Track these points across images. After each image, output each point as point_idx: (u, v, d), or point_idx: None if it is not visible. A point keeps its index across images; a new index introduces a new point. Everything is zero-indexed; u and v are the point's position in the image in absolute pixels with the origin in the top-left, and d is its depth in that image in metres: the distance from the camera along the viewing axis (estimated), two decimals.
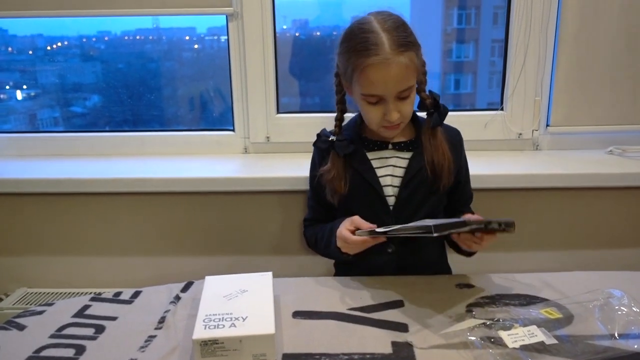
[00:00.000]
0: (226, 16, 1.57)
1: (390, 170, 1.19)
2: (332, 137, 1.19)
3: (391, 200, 1.17)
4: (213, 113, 1.79)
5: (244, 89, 1.62)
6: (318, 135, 1.24)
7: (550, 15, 1.53)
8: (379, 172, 1.18)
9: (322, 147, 1.21)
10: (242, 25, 1.56)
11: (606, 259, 1.55)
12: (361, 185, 1.18)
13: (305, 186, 1.42)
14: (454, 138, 1.22)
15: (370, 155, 1.19)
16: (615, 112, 1.59)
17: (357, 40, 1.07)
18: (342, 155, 1.18)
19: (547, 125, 1.62)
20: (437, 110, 1.16)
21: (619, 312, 0.94)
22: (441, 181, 1.16)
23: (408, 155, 1.19)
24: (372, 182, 1.17)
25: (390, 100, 1.08)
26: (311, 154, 1.30)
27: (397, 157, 1.19)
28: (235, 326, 0.87)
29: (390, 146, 1.20)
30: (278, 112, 1.64)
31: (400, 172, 1.18)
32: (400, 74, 1.06)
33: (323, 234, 1.21)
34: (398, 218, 1.13)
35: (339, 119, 1.21)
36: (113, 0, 1.54)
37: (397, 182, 1.17)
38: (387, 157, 1.19)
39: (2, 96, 1.83)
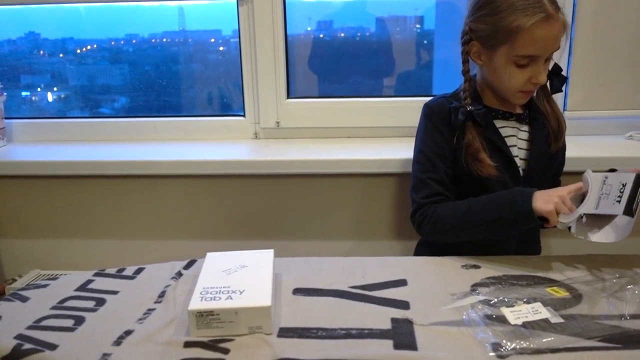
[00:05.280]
0: (237, 1, 1.57)
1: (514, 140, 1.18)
2: (469, 107, 1.14)
3: (521, 172, 1.17)
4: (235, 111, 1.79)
5: (254, 74, 1.61)
6: (442, 106, 1.17)
7: None
8: (507, 142, 1.18)
9: (461, 119, 1.14)
10: (253, 9, 1.56)
11: (626, 243, 1.50)
12: (493, 156, 1.14)
13: (317, 169, 1.41)
14: None
15: (497, 124, 1.18)
16: (635, 96, 1.53)
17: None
18: (481, 126, 1.15)
19: (564, 110, 1.57)
20: (557, 75, 1.16)
21: (630, 292, 0.91)
22: (558, 144, 1.19)
23: (526, 127, 1.19)
24: (506, 152, 1.16)
25: (541, 62, 1.08)
26: (320, 139, 1.26)
27: (517, 128, 1.19)
28: (231, 298, 0.86)
29: (514, 117, 1.19)
30: (288, 97, 1.64)
31: (523, 144, 1.18)
32: (559, 32, 1.06)
33: (493, 201, 1.08)
34: None
35: (468, 89, 1.16)
36: None
37: (522, 154, 1.18)
38: (511, 127, 1.19)
39: (34, 98, 1.87)
